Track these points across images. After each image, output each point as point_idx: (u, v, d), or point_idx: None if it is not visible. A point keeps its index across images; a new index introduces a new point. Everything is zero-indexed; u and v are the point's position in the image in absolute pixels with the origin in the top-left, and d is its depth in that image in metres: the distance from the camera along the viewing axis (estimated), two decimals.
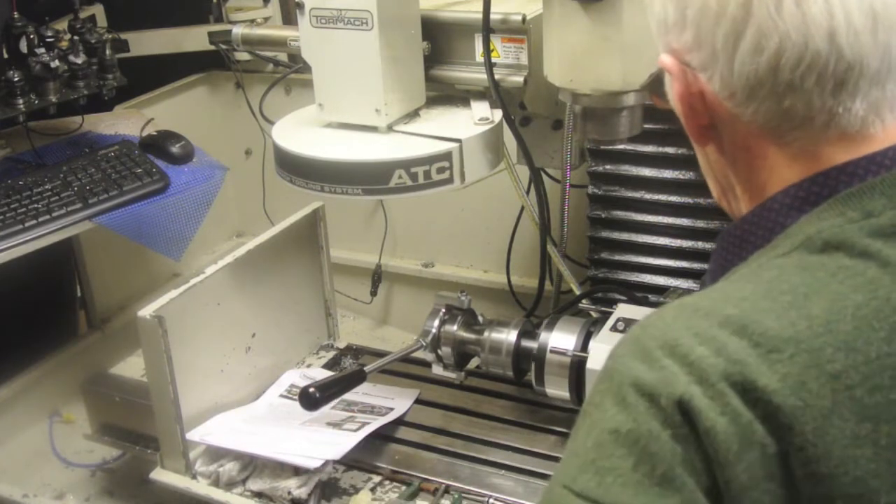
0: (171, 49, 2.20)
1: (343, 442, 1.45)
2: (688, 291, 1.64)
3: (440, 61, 1.47)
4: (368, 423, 1.51)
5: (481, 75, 1.41)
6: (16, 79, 1.64)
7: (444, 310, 1.50)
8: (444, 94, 1.51)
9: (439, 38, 1.45)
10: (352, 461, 1.45)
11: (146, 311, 1.41)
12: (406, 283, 2.24)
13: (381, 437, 1.50)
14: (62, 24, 1.79)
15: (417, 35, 1.41)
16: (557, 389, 1.40)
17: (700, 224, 1.66)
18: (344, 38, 1.34)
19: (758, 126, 0.78)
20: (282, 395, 1.67)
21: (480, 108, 1.44)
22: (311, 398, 1.38)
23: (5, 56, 1.68)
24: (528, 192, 1.72)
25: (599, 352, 1.31)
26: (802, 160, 0.78)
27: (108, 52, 1.77)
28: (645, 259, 1.73)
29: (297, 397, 1.44)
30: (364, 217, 2.25)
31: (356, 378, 1.46)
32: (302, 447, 1.44)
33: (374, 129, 1.40)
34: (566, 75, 1.29)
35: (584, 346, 1.37)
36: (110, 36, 1.79)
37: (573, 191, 1.68)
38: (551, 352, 1.39)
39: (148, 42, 2.13)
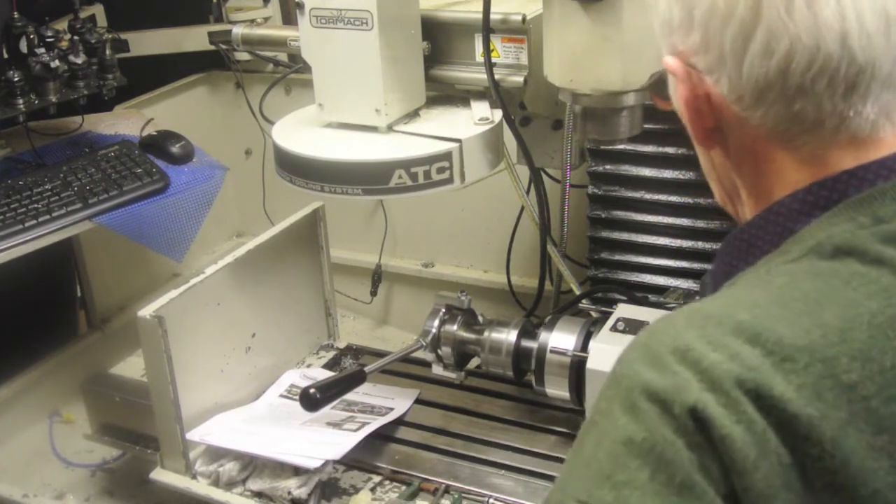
0: (171, 49, 2.20)
1: (343, 442, 1.45)
2: (688, 291, 1.64)
3: (440, 61, 1.46)
4: (368, 423, 1.51)
5: (481, 75, 1.41)
6: (16, 79, 1.64)
7: (444, 310, 1.50)
8: (444, 94, 1.51)
9: (439, 38, 1.45)
10: (352, 461, 1.45)
11: (146, 311, 1.41)
12: (406, 283, 2.24)
13: (381, 437, 1.50)
14: (62, 24, 1.79)
15: (417, 35, 1.41)
16: (557, 389, 1.40)
17: (700, 224, 1.66)
18: (344, 38, 1.34)
19: (766, 130, 0.77)
20: (282, 395, 1.67)
21: (480, 108, 1.44)
22: (312, 399, 1.38)
23: (5, 56, 1.68)
24: (528, 192, 1.72)
25: (599, 352, 1.31)
26: (811, 164, 0.77)
27: (108, 52, 1.77)
28: (645, 259, 1.73)
29: (297, 397, 1.45)
30: (364, 217, 2.25)
31: (356, 379, 1.46)
32: (302, 447, 1.44)
33: (374, 129, 1.39)
34: (566, 75, 1.29)
35: (584, 346, 1.37)
36: (110, 36, 1.79)
37: (573, 191, 1.68)
38: (551, 352, 1.39)
39: (148, 42, 2.13)
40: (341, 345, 1.84)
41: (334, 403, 1.52)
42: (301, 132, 1.45)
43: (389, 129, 1.40)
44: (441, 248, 2.20)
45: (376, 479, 1.44)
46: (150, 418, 1.49)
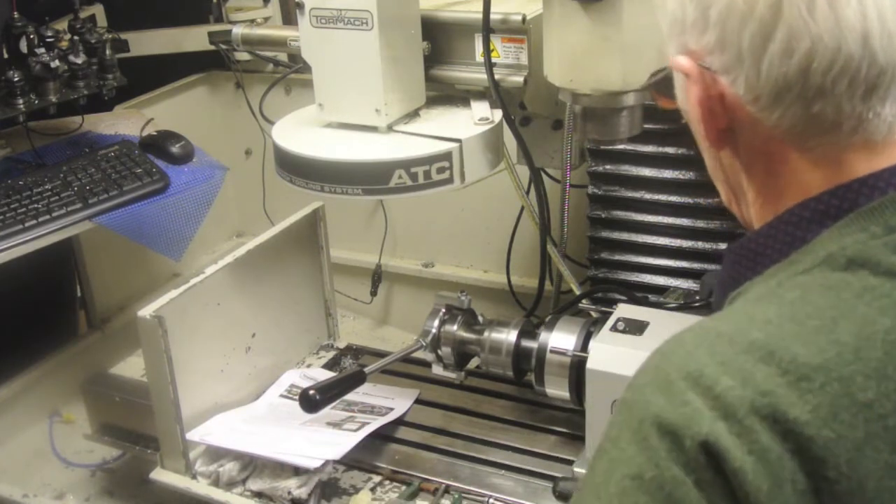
0: (171, 49, 2.20)
1: (343, 442, 1.45)
2: (688, 291, 1.64)
3: (440, 61, 1.46)
4: (368, 423, 1.51)
5: (481, 75, 1.41)
6: (16, 79, 1.64)
7: (444, 310, 1.50)
8: (444, 94, 1.51)
9: (439, 38, 1.45)
10: (352, 461, 1.46)
11: (146, 311, 1.41)
12: (406, 283, 2.24)
13: (381, 437, 1.50)
14: (62, 24, 1.79)
15: (417, 35, 1.41)
16: (557, 389, 1.40)
17: (700, 224, 1.66)
18: (344, 38, 1.34)
19: (781, 131, 0.76)
20: (282, 395, 1.67)
21: (480, 108, 1.44)
22: (312, 401, 1.38)
23: (5, 56, 1.68)
24: (528, 192, 1.72)
25: (599, 352, 1.31)
26: (824, 166, 0.76)
27: (108, 52, 1.77)
28: (645, 259, 1.73)
29: (297, 397, 1.44)
30: (364, 217, 2.25)
31: (356, 379, 1.46)
32: (302, 447, 1.44)
33: (374, 129, 1.39)
34: (566, 75, 1.29)
35: (584, 346, 1.37)
36: (110, 36, 1.79)
37: (573, 191, 1.68)
38: (551, 352, 1.39)
39: (148, 42, 2.13)
40: (341, 345, 1.84)
41: (334, 404, 1.52)
42: (301, 132, 1.45)
43: (389, 129, 1.40)
44: (441, 248, 2.20)
45: (376, 479, 1.44)
46: (150, 418, 1.49)
